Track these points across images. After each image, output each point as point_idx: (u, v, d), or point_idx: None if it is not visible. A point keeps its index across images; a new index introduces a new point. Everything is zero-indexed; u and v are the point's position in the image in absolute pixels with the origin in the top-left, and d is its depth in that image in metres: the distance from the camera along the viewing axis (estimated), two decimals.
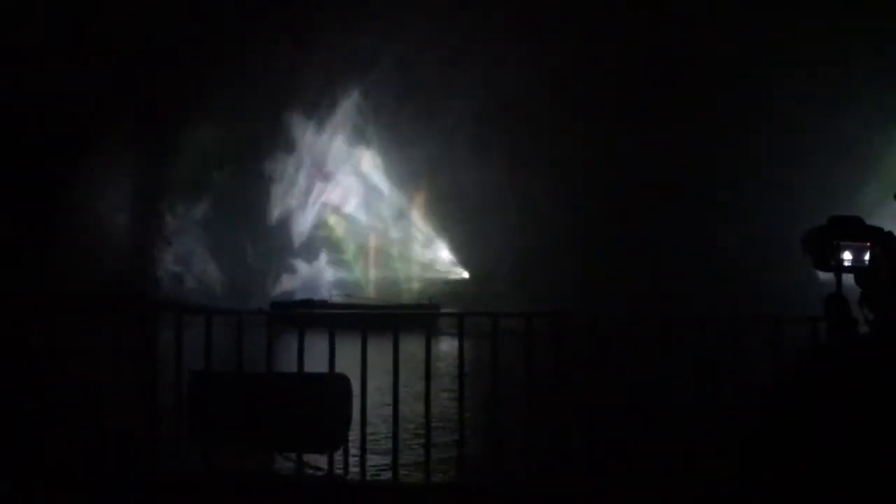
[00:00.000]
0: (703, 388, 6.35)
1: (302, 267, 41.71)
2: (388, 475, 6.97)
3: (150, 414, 6.91)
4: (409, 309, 31.90)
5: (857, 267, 3.07)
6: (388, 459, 6.91)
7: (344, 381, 6.57)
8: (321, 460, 6.74)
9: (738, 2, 35.98)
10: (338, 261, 42.22)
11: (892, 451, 2.73)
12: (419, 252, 42.15)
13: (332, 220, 43.26)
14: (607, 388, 6.80)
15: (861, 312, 3.00)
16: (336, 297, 37.93)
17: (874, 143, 35.25)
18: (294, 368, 6.79)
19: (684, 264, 33.62)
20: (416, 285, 40.06)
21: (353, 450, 6.73)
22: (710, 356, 6.34)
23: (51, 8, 36.25)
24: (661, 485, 6.25)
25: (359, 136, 42.73)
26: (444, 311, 27.32)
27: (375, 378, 6.71)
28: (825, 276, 3.13)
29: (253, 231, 41.34)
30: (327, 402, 6.54)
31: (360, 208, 43.21)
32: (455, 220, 39.56)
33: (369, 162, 43.00)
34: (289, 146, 42.66)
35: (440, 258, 41.90)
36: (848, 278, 3.08)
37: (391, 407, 6.63)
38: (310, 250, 42.44)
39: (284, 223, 42.72)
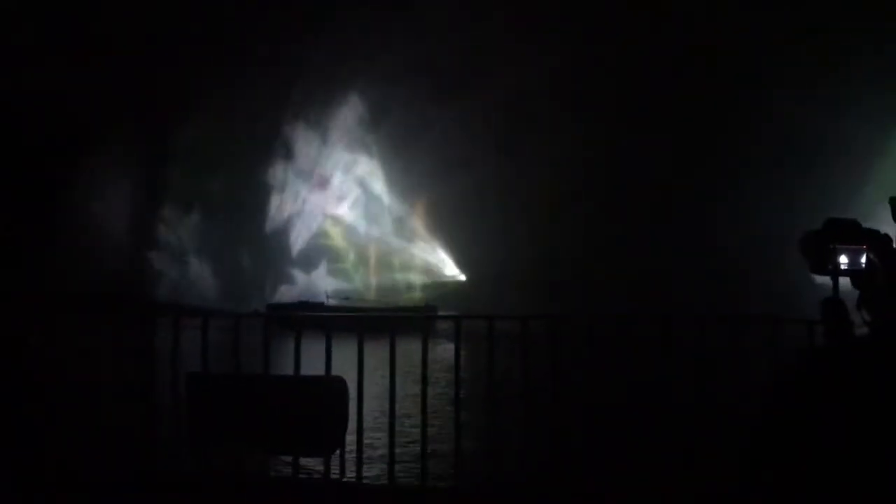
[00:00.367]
0: (703, 389, 6.33)
1: (300, 277, 41.17)
2: (384, 478, 6.94)
3: (148, 415, 6.89)
4: (406, 312, 31.81)
5: (853, 270, 3.05)
6: (384, 462, 6.88)
7: (340, 383, 6.55)
8: (318, 463, 6.73)
9: (738, 3, 35.99)
10: (337, 270, 41.76)
11: (892, 452, 2.72)
12: (419, 258, 41.80)
13: (332, 228, 42.83)
14: (606, 389, 6.78)
15: (859, 315, 2.99)
16: (333, 300, 37.94)
17: (874, 143, 35.27)
18: (291, 371, 6.78)
19: (684, 264, 33.63)
20: (417, 294, 39.73)
21: (350, 452, 6.72)
22: (710, 356, 6.32)
23: (50, 9, 36.21)
24: (661, 485, 6.23)
25: (359, 144, 42.37)
26: (440, 313, 27.28)
27: (371, 381, 6.69)
28: (822, 278, 3.11)
29: (250, 239, 40.87)
30: (324, 404, 6.52)
31: (359, 216, 42.80)
32: (452, 221, 39.45)
33: (369, 170, 42.56)
34: (288, 154, 42.32)
35: (439, 263, 41.67)
36: (845, 281, 3.06)
37: (387, 409, 6.61)
38: (308, 259, 41.95)
39: (282, 232, 42.27)
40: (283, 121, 41.23)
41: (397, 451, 6.71)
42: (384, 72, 39.58)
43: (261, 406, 6.57)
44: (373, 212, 42.70)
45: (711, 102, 35.04)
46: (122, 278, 34.81)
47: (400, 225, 42.10)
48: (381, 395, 6.78)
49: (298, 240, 42.55)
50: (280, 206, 42.44)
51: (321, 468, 6.74)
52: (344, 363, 6.68)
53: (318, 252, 42.38)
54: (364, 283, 41.13)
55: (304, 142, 42.38)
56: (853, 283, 3.05)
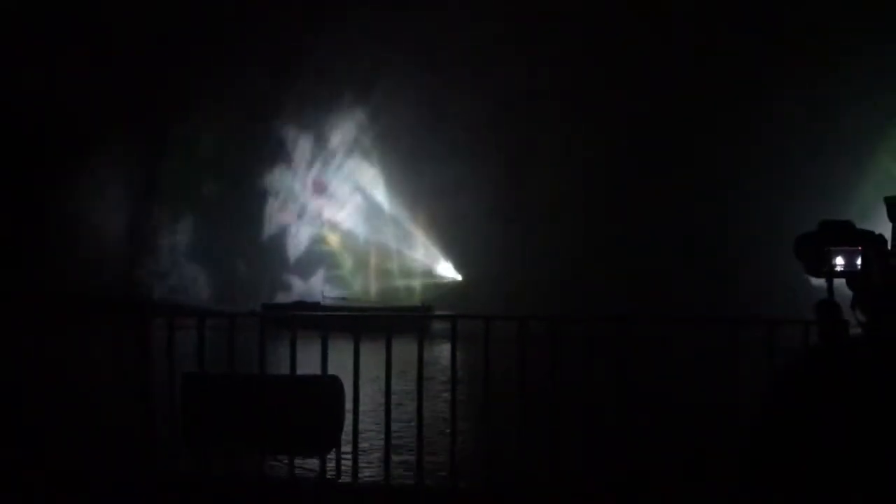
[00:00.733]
0: (702, 389, 6.33)
1: (297, 284, 40.64)
2: (380, 477, 6.94)
3: (145, 415, 6.88)
4: (402, 312, 31.60)
5: (849, 271, 3.05)
6: (380, 462, 6.87)
7: (336, 382, 6.54)
8: (314, 463, 6.72)
9: (738, 4, 36.03)
10: (335, 276, 41.22)
11: (891, 452, 2.72)
12: (419, 263, 41.34)
13: (330, 234, 42.33)
14: (605, 390, 6.77)
15: (853, 316, 2.99)
16: (329, 299, 37.88)
17: (871, 143, 35.34)
18: (286, 370, 6.77)
19: (684, 265, 33.65)
20: (416, 298, 39.13)
21: (346, 452, 6.70)
22: (708, 357, 6.32)
23: (46, 10, 36.18)
24: (661, 485, 6.23)
25: (358, 149, 42.00)
26: (436, 313, 27.25)
27: (367, 382, 6.67)
28: (817, 280, 3.11)
29: (246, 245, 40.45)
30: (320, 404, 6.51)
31: (358, 222, 42.28)
32: (451, 222, 39.32)
33: (369, 174, 42.17)
34: (286, 159, 41.98)
35: (436, 263, 41.40)
36: (839, 283, 3.06)
37: (383, 409, 6.60)
38: (306, 266, 41.46)
39: (279, 238, 41.88)
40: (280, 124, 40.90)
41: (392, 450, 6.70)
42: (385, 75, 39.44)
43: (257, 406, 6.55)
44: (372, 217, 42.18)
45: (711, 103, 35.05)
46: (116, 283, 34.56)
47: (399, 230, 41.62)
48: (376, 395, 6.77)
49: (296, 246, 42.00)
50: (277, 212, 41.93)
51: (317, 468, 6.73)
52: (338, 363, 6.66)
53: (315, 258, 41.83)
54: (363, 290, 40.49)
55: (302, 146, 41.99)
56: (848, 284, 3.05)
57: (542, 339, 6.42)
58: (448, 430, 6.65)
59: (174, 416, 6.69)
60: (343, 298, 37.88)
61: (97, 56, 36.01)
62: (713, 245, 34.14)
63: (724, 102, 35.22)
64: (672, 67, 35.77)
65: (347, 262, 41.76)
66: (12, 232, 34.02)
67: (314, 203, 42.55)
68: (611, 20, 36.39)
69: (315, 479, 6.70)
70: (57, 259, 34.59)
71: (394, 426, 6.68)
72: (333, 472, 6.67)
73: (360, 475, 6.79)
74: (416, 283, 40.53)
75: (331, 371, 6.65)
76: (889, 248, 3.03)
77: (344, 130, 41.88)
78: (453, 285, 40.01)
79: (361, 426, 6.65)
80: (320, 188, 42.45)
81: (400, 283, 40.67)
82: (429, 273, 41.09)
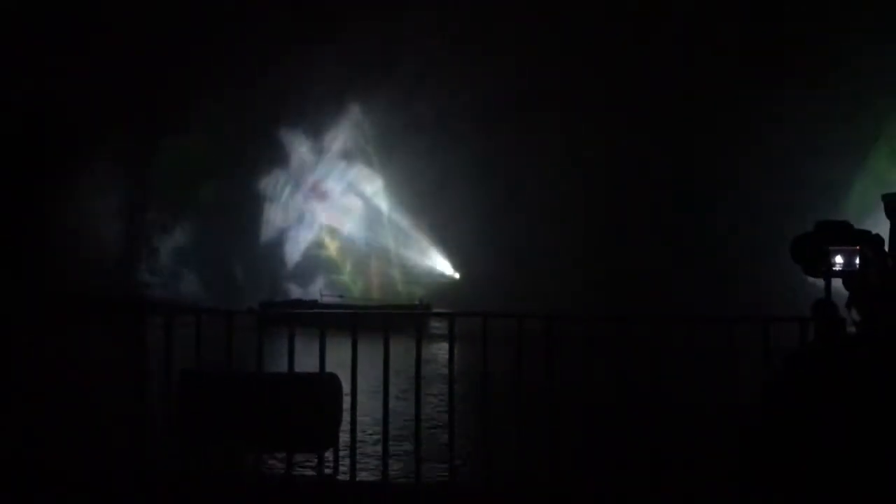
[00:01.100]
0: (700, 389, 6.33)
1: (296, 291, 39.98)
2: (378, 474, 6.94)
3: (141, 413, 6.88)
4: (400, 310, 31.46)
5: (847, 271, 3.06)
6: (378, 460, 6.88)
7: (334, 380, 6.53)
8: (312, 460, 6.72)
9: (738, 4, 36.04)
10: (334, 282, 40.67)
11: (886, 448, 2.73)
12: (417, 260, 40.97)
13: (329, 239, 41.81)
14: (604, 389, 6.77)
15: (848, 315, 3.00)
16: (327, 297, 37.79)
17: (864, 144, 35.42)
18: (284, 368, 6.76)
19: (684, 265, 33.65)
20: (414, 297, 38.70)
21: (343, 449, 6.70)
22: (707, 357, 6.33)
23: (41, 11, 36.10)
24: (661, 485, 6.23)
25: (358, 152, 41.59)
26: (434, 310, 27.22)
27: (364, 381, 6.67)
28: (815, 280, 3.12)
29: (243, 251, 39.98)
30: (318, 401, 6.51)
31: (358, 227, 41.79)
32: (450, 223, 39.15)
33: (368, 179, 41.72)
34: (284, 162, 41.59)
35: (435, 262, 41.11)
36: (836, 283, 3.07)
37: (381, 407, 6.60)
38: (304, 273, 40.93)
39: (277, 243, 41.46)
40: (279, 128, 40.55)
41: (390, 448, 6.70)
42: (385, 77, 39.24)
43: (255, 404, 6.55)
44: (372, 221, 41.68)
45: (712, 103, 35.04)
46: (113, 285, 34.31)
47: (399, 233, 41.10)
48: (374, 393, 6.77)
49: (294, 252, 41.48)
50: (275, 217, 41.41)
51: (315, 465, 6.73)
52: (335, 361, 6.66)
53: (314, 264, 41.30)
54: (364, 296, 39.85)
55: (300, 150, 41.54)
56: (845, 283, 3.06)
57: (541, 338, 6.42)
58: (442, 426, 6.66)
59: (172, 414, 6.68)
60: (341, 297, 37.81)
61: (96, 57, 35.95)
62: (713, 245, 34.15)
63: (724, 102, 35.22)
64: (672, 67, 35.76)
65: (347, 267, 41.31)
66: (12, 232, 34.00)
67: (313, 207, 42.07)
68: (611, 20, 36.38)
69: (313, 476, 6.70)
70: (56, 259, 34.54)
71: (392, 424, 6.68)
72: (331, 470, 6.67)
73: (357, 473, 6.78)
74: (415, 283, 40.21)
75: (329, 369, 6.65)
76: (887, 246, 3.04)
77: (344, 131, 41.64)
78: (451, 283, 39.89)
79: (359, 424, 6.65)
80: (320, 193, 42.04)
81: (401, 286, 40.26)
82: (427, 273, 40.92)
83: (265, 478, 6.86)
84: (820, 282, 3.08)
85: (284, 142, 41.39)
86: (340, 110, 41.04)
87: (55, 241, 35.57)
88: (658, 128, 36.04)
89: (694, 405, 6.48)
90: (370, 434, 8.07)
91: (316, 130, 41.53)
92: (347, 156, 41.83)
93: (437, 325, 7.58)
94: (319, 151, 41.97)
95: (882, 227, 3.29)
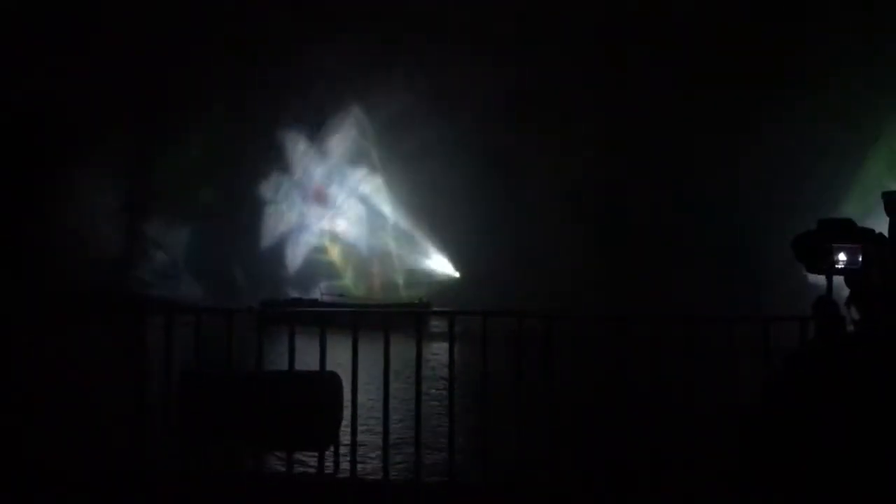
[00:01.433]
0: (700, 388, 6.32)
1: (297, 295, 39.51)
2: (378, 472, 6.94)
3: (140, 412, 6.87)
4: (400, 308, 31.35)
5: (850, 268, 3.06)
6: (378, 457, 6.87)
7: (335, 379, 6.53)
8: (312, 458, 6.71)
9: (739, 5, 36.05)
10: (335, 287, 40.28)
11: (886, 447, 2.73)
12: (420, 270, 40.65)
13: (330, 244, 41.44)
14: (604, 389, 6.77)
15: (847, 313, 3.00)
16: (327, 296, 37.73)
17: (863, 146, 35.43)
18: (284, 367, 6.76)
19: (685, 264, 33.65)
20: (414, 296, 38.46)
21: (344, 447, 6.70)
22: (707, 357, 6.31)
23: (39, 11, 36.08)
24: (661, 485, 6.23)
25: (360, 156, 41.32)
26: (434, 309, 27.15)
27: (364, 380, 6.66)
28: (815, 278, 3.12)
29: (243, 255, 39.69)
30: (318, 400, 6.50)
31: (360, 231, 41.46)
32: (449, 222, 39.09)
33: (370, 182, 41.41)
34: (284, 164, 41.36)
35: (434, 262, 40.93)
36: (837, 280, 3.07)
37: (381, 406, 6.59)
38: (306, 277, 40.60)
39: (278, 248, 41.20)
40: (280, 131, 40.38)
41: (391, 447, 6.70)
42: (386, 80, 39.11)
43: (256, 403, 6.55)
44: (373, 225, 41.34)
45: (712, 103, 35.05)
46: (112, 287, 34.21)
47: (401, 235, 40.76)
48: (375, 392, 6.76)
49: (295, 256, 41.14)
50: (276, 221, 41.09)
51: (315, 464, 6.72)
52: (335, 360, 6.65)
53: (315, 268, 40.94)
54: (365, 295, 39.54)
55: (301, 153, 41.28)
56: (847, 281, 3.06)
57: (541, 338, 6.41)
58: (442, 425, 6.65)
59: (172, 414, 6.67)
60: (341, 295, 37.76)
61: (96, 57, 35.94)
62: (713, 245, 34.15)
63: (724, 102, 35.21)
64: (672, 67, 35.77)
65: (348, 272, 40.97)
66: (12, 232, 33.98)
67: (314, 211, 41.74)
68: (611, 20, 36.39)
69: (314, 474, 6.69)
70: (56, 259, 34.52)
71: (392, 422, 6.68)
72: (332, 469, 6.67)
73: (358, 471, 6.78)
74: (417, 286, 39.97)
75: (329, 368, 6.64)
76: (888, 244, 3.04)
77: (344, 132, 41.48)
78: (451, 282, 39.83)
79: (360, 422, 6.64)
80: (321, 196, 41.75)
81: (403, 290, 39.96)
82: (429, 274, 40.79)
83: (266, 477, 6.85)
84: (819, 279, 3.08)
85: (285, 142, 41.22)
86: (341, 110, 40.92)
87: (55, 241, 35.53)
88: (658, 128, 36.03)
89: (694, 405, 6.47)
90: (370, 434, 8.06)
91: (316, 131, 41.40)
92: (348, 156, 41.63)
93: (437, 324, 7.57)
94: (320, 152, 41.79)
95: (882, 227, 3.29)
